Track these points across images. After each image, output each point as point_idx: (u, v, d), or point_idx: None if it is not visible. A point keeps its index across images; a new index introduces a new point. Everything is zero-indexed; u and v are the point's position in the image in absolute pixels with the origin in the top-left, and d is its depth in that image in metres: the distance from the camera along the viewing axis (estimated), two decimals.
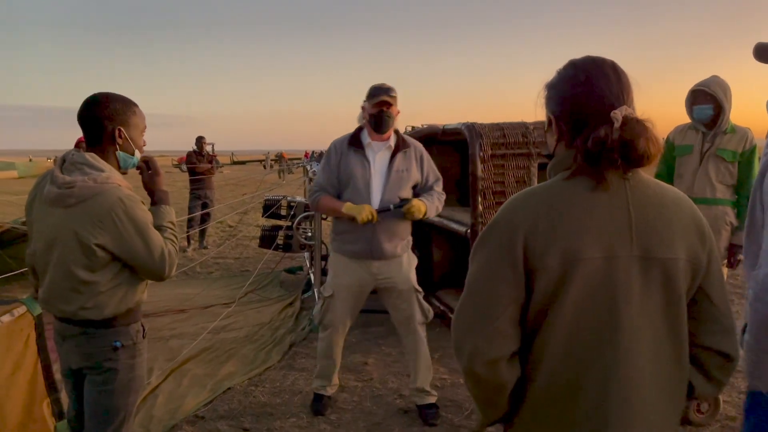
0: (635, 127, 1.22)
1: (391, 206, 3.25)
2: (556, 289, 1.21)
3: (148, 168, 2.22)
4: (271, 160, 41.80)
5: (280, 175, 27.74)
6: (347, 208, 3.21)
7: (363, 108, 3.33)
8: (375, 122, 3.25)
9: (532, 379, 1.27)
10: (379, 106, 3.22)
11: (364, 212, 3.15)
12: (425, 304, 3.47)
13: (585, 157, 1.23)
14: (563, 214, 1.22)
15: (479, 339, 1.23)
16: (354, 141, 3.33)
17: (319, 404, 3.55)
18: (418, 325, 3.45)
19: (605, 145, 1.20)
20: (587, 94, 1.27)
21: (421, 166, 3.42)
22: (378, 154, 3.32)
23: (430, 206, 3.34)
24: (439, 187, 3.48)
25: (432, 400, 3.49)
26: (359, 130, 3.38)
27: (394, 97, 3.23)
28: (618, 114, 1.22)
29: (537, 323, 1.24)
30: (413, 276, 3.44)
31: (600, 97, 1.26)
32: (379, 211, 3.22)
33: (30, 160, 41.44)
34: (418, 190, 3.44)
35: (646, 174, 1.32)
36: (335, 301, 3.40)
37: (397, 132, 3.37)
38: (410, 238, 3.48)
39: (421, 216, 3.26)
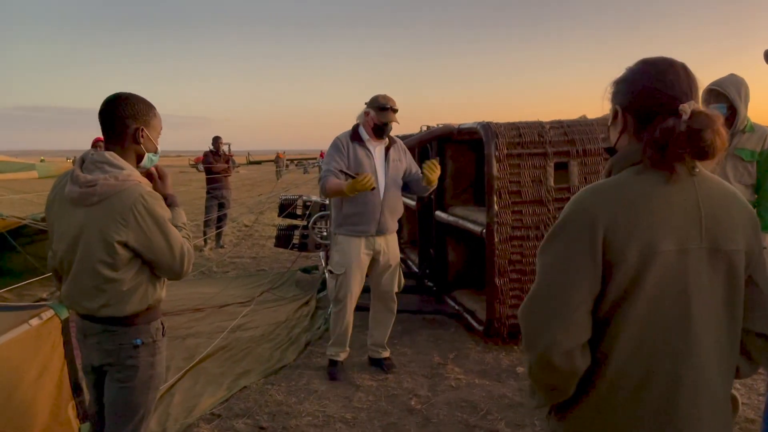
0: (703, 119, 1.26)
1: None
2: (633, 282, 1.25)
3: (158, 175, 2.26)
4: (287, 161, 41.35)
5: (278, 176, 26.99)
6: (348, 188, 3.62)
7: (367, 113, 3.91)
8: (379, 131, 3.89)
9: (602, 366, 1.30)
10: (385, 119, 3.84)
11: (368, 181, 3.59)
12: (402, 277, 4.16)
13: (653, 149, 1.27)
14: (641, 207, 1.26)
15: (557, 330, 1.26)
16: (356, 137, 3.94)
17: (334, 369, 4.05)
18: (393, 297, 4.13)
19: (672, 136, 1.25)
20: (657, 88, 1.32)
21: (407, 157, 4.13)
22: (377, 148, 3.97)
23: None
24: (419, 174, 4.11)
25: (387, 354, 4.24)
26: (357, 127, 3.98)
27: (396, 111, 3.89)
28: (686, 107, 1.27)
29: (610, 313, 1.28)
30: (398, 251, 4.14)
31: (670, 91, 1.31)
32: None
33: (42, 160, 41.77)
34: (406, 178, 4.07)
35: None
36: (347, 277, 3.91)
37: None
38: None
39: (434, 182, 3.86)
